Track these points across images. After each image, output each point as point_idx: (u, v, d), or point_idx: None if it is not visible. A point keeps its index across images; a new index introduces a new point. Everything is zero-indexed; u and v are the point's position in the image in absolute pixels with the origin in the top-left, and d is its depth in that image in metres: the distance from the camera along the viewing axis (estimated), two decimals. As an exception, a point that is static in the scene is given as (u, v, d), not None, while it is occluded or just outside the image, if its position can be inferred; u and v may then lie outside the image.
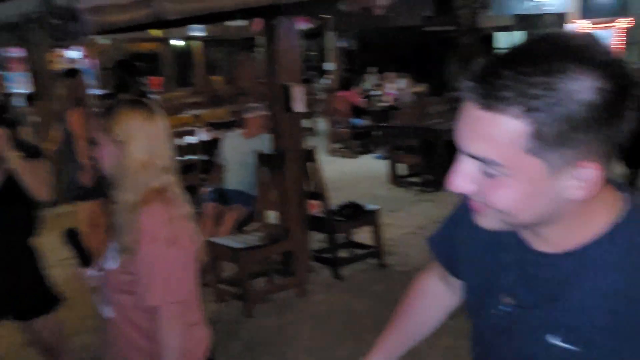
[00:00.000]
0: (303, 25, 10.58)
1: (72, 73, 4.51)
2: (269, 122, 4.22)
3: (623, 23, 8.30)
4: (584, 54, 0.68)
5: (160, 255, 1.50)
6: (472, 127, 0.72)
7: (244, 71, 11.53)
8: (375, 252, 4.41)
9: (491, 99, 0.68)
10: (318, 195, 4.18)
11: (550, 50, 0.68)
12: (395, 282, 4.18)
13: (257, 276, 4.13)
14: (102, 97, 9.37)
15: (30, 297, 2.58)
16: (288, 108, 3.88)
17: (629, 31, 8.31)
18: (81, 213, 4.23)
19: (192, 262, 1.59)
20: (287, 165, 3.91)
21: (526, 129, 0.68)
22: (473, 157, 0.73)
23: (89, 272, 1.71)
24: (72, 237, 1.83)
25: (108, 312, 1.63)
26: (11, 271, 2.47)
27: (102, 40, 11.89)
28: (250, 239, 3.93)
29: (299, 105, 3.90)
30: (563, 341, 0.77)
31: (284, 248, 3.94)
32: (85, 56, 15.45)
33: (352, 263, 4.39)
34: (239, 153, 4.58)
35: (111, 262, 1.60)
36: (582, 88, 0.66)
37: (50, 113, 4.72)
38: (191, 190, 6.20)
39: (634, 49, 8.12)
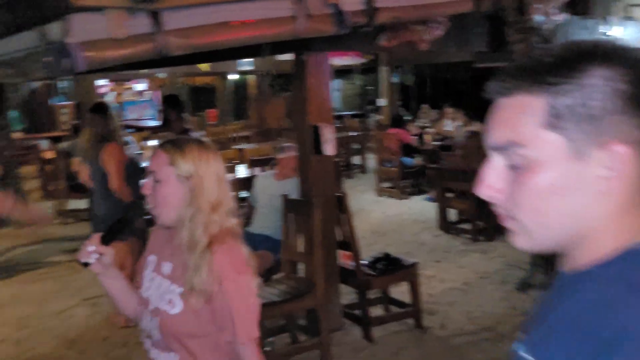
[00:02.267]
0: (356, 59, 10.38)
1: (101, 108, 4.40)
2: (298, 164, 3.91)
3: None
4: (608, 48, 0.67)
5: (243, 292, 1.48)
6: (493, 118, 0.73)
7: (272, 109, 11.43)
8: (413, 311, 3.95)
9: (508, 84, 0.70)
10: (349, 245, 3.80)
11: (575, 46, 0.69)
12: (433, 348, 3.71)
13: (278, 332, 3.77)
14: (154, 129, 9.50)
15: None
16: (317, 150, 3.55)
17: None
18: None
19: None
20: (314, 212, 3.56)
21: (543, 103, 0.67)
22: (496, 149, 0.72)
23: (91, 248, 1.52)
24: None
25: (168, 359, 1.53)
26: None
27: (160, 74, 12.16)
28: (270, 292, 3.58)
29: (329, 147, 3.57)
30: None
31: (307, 305, 3.56)
32: (149, 88, 15.99)
33: (386, 323, 3.94)
34: (269, 195, 4.28)
35: (167, 306, 1.50)
36: (604, 74, 0.65)
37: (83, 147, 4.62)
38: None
39: None
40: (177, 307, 1.49)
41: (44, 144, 10.66)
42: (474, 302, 4.34)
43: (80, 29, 2.11)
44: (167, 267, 1.56)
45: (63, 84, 14.71)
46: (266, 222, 4.28)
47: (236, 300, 1.47)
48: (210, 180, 1.49)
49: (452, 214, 6.51)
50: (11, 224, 7.32)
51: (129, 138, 8.25)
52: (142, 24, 2.26)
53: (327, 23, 2.74)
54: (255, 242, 4.28)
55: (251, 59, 9.51)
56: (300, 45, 3.36)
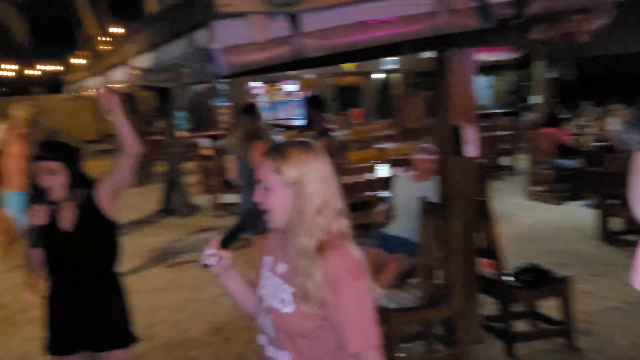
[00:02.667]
0: (507, 54, 9.78)
1: (251, 109, 4.63)
2: (437, 166, 3.75)
3: None
4: None
5: (360, 298, 1.46)
6: None
7: (413, 108, 11.10)
8: (564, 329, 3.59)
9: None
10: (491, 253, 3.56)
11: None
12: (586, 373, 3.34)
13: (414, 339, 3.66)
14: (300, 128, 9.85)
15: (111, 328, 2.53)
16: (458, 151, 3.38)
17: None
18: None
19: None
20: (452, 216, 3.39)
21: None
22: None
23: (210, 251, 1.61)
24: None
25: (282, 357, 1.55)
26: (98, 300, 2.48)
27: (307, 75, 12.60)
28: (406, 297, 3.49)
29: (470, 148, 3.37)
30: None
31: (443, 314, 3.40)
32: (300, 89, 16.70)
33: (532, 340, 3.63)
34: (407, 197, 4.18)
35: (279, 304, 1.52)
36: None
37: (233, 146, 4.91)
38: (365, 228, 5.99)
39: None
40: (288, 307, 1.50)
41: (204, 142, 11.59)
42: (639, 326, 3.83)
43: (224, 34, 2.22)
44: (282, 268, 1.58)
45: (223, 86, 15.91)
46: (403, 224, 4.18)
47: (354, 307, 1.45)
48: (315, 183, 1.48)
49: (615, 224, 5.83)
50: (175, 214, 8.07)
51: (277, 137, 8.66)
52: (280, 27, 2.30)
53: (471, 17, 2.57)
54: (391, 244, 4.22)
55: (396, 58, 9.42)
56: (443, 42, 3.21)
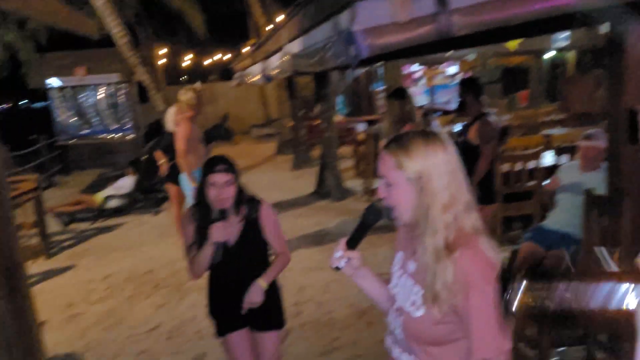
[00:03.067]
0: None
1: (399, 93, 4.53)
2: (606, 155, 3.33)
3: None
4: None
5: (491, 303, 1.35)
6: None
7: (582, 89, 9.86)
8: None
9: None
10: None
11: None
12: None
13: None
14: (457, 112, 9.47)
15: (271, 310, 2.68)
16: (633, 139, 2.95)
17: None
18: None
19: None
20: (623, 211, 2.98)
21: None
22: None
23: (339, 254, 1.60)
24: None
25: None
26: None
27: (470, 56, 12.00)
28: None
29: (649, 135, 2.92)
30: None
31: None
32: (460, 71, 16.07)
33: None
34: (571, 187, 3.78)
35: (411, 307, 1.46)
36: None
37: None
38: (524, 220, 5.57)
39: None
40: (419, 311, 1.43)
41: (360, 126, 11.71)
42: None
43: (365, 16, 2.16)
44: (411, 266, 1.50)
45: (381, 70, 15.89)
46: (565, 217, 3.80)
47: (483, 312, 1.35)
48: (440, 178, 1.36)
49: None
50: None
51: (434, 122, 8.42)
52: (426, 5, 2.18)
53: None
54: (549, 239, 3.86)
55: (567, 34, 8.55)
56: (618, 14, 2.80)
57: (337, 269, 1.59)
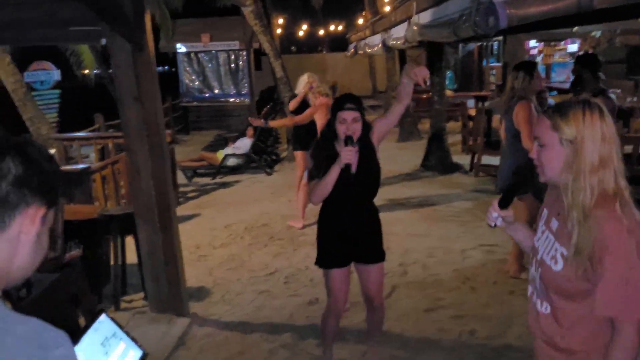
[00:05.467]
0: None
1: (526, 66, 4.53)
2: None
3: None
4: None
5: (625, 264, 1.41)
6: None
7: None
8: None
9: None
10: None
11: None
12: None
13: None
14: (572, 91, 9.07)
15: (376, 244, 3.00)
16: None
17: None
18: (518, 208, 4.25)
19: None
20: None
21: None
22: None
23: (494, 214, 1.77)
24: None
25: (544, 309, 1.63)
26: (363, 223, 2.94)
27: (595, 32, 11.32)
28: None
29: None
30: None
31: None
32: (579, 49, 15.16)
33: None
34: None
35: (550, 261, 1.57)
36: None
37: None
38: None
39: None
40: (558, 265, 1.53)
41: (470, 102, 11.56)
42: None
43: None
44: (554, 224, 1.60)
45: (495, 45, 15.39)
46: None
47: (615, 272, 1.41)
48: (592, 143, 1.46)
49: None
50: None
51: (550, 101, 8.17)
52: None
53: None
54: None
55: None
56: None
57: (495, 226, 1.78)
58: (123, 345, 2.01)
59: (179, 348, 3.53)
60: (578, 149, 1.46)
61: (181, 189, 7.94)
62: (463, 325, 3.74)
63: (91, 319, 1.33)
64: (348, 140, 2.73)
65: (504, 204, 1.74)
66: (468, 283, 4.43)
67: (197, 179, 8.76)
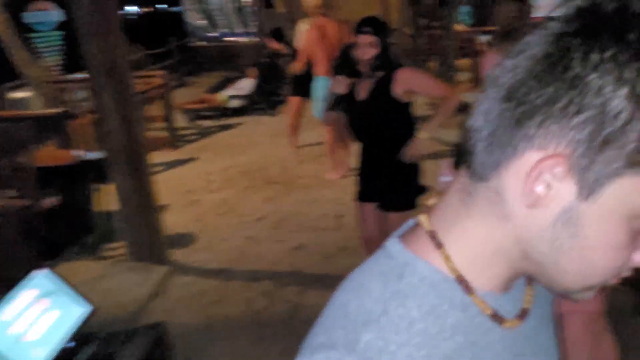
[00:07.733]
0: None
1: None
2: None
3: None
4: None
5: None
6: None
7: None
8: None
9: None
10: None
11: None
12: None
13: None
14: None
15: (398, 191, 2.82)
16: None
17: None
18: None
19: None
20: None
21: None
22: None
23: (444, 178, 1.73)
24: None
25: None
26: (388, 166, 2.78)
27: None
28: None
29: None
30: None
31: None
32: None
33: None
34: None
35: None
36: None
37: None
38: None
39: None
40: None
41: (482, 37, 11.02)
42: None
43: None
44: None
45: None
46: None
47: None
48: None
49: None
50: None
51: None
52: None
53: None
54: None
55: None
56: None
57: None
58: (49, 303, 1.92)
59: (156, 297, 3.49)
60: None
61: (181, 132, 7.83)
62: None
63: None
64: (340, 69, 2.65)
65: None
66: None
67: (200, 122, 8.63)
